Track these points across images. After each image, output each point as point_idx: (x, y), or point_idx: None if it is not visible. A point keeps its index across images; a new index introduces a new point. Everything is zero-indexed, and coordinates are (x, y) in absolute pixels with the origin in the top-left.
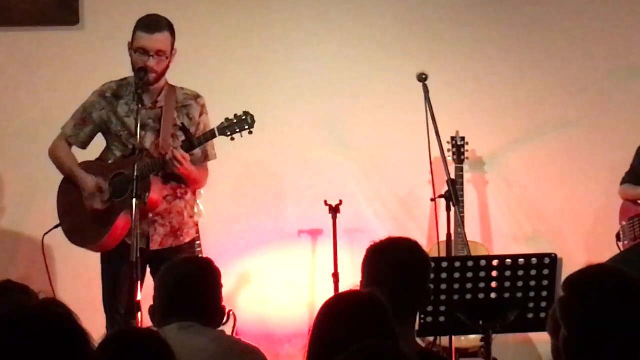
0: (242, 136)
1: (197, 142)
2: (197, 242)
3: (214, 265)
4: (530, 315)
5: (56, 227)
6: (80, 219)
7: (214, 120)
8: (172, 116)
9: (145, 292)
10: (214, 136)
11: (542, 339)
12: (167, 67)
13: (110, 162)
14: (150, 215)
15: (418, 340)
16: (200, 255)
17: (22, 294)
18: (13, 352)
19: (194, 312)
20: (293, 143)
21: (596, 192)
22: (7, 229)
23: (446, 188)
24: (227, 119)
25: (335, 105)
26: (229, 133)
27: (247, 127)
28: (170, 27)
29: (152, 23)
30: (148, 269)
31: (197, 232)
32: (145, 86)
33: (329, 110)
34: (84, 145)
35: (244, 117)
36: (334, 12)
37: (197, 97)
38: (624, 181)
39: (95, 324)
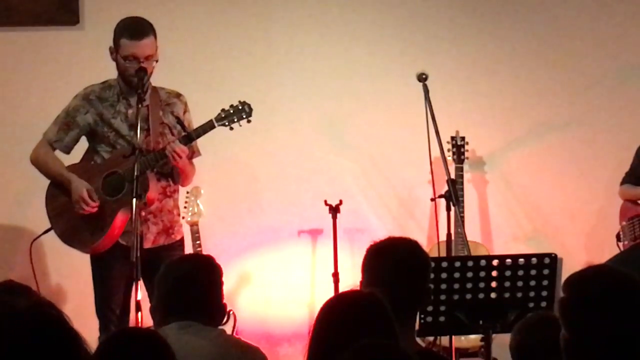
0: (240, 125)
1: (195, 134)
2: (198, 242)
3: (215, 262)
4: None
5: (46, 232)
6: (74, 221)
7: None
8: (159, 114)
9: (142, 292)
10: (213, 127)
11: None
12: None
13: (98, 163)
14: (143, 213)
15: (418, 340)
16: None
17: (23, 294)
18: (2, 355)
19: (195, 311)
20: (293, 143)
21: (596, 192)
22: (7, 229)
23: (446, 188)
24: (223, 110)
25: (335, 105)
26: (227, 123)
27: (245, 116)
28: (152, 29)
29: (137, 29)
30: None
31: (197, 231)
32: (143, 87)
33: (329, 110)
34: (68, 150)
35: (240, 107)
36: (334, 12)
37: (179, 95)
38: (624, 181)
39: (91, 325)
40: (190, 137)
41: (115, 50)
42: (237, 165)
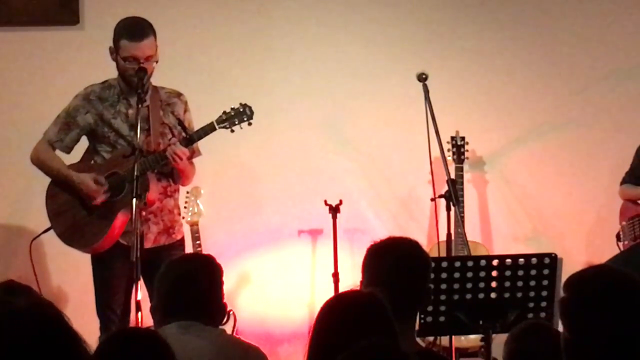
0: (241, 128)
1: (196, 136)
2: (198, 242)
3: (215, 261)
4: (530, 315)
5: (45, 231)
6: (74, 220)
7: (213, 120)
8: (159, 114)
9: (142, 292)
10: (214, 129)
11: None
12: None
13: (99, 163)
14: (144, 213)
15: (418, 340)
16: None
17: (24, 294)
18: (2, 355)
19: (195, 311)
20: (293, 143)
21: (596, 192)
22: (7, 228)
23: (446, 188)
24: (224, 112)
25: (335, 106)
26: (228, 125)
27: (246, 118)
28: (152, 30)
29: (137, 30)
30: None
31: (197, 231)
32: (143, 87)
33: (329, 110)
34: (68, 150)
35: (241, 110)
36: (334, 12)
37: (179, 94)
38: (624, 181)
39: (92, 325)
40: (191, 139)
41: (115, 51)
42: (237, 165)
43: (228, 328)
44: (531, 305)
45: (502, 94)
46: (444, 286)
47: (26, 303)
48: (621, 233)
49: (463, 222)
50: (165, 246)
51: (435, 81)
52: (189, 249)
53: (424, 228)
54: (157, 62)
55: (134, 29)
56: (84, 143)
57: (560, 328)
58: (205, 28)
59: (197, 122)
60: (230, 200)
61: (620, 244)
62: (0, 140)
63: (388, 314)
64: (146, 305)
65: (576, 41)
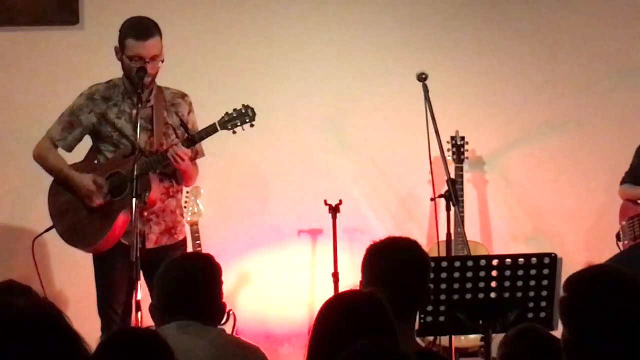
0: (243, 129)
1: (199, 137)
2: (198, 242)
3: (214, 261)
4: (530, 315)
5: (48, 230)
6: (75, 220)
7: (214, 120)
8: (163, 115)
9: (143, 292)
10: (216, 131)
11: None
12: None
13: (101, 163)
14: (146, 214)
15: (418, 340)
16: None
17: (24, 294)
18: (2, 355)
19: (194, 311)
20: (293, 143)
21: (596, 192)
22: (7, 228)
23: (446, 188)
24: (227, 114)
25: (335, 106)
26: (230, 127)
27: (248, 120)
28: (158, 29)
29: (143, 30)
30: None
31: (197, 231)
32: (145, 87)
33: (329, 110)
34: (70, 149)
35: (244, 111)
36: (334, 12)
37: (184, 95)
38: (624, 181)
39: (93, 325)
40: (193, 140)
41: (120, 51)
42: (237, 165)
43: (228, 328)
44: (531, 305)
45: (502, 94)
46: (444, 286)
47: (26, 303)
48: (621, 233)
49: (463, 222)
50: (168, 247)
51: (435, 81)
52: (189, 249)
53: (424, 228)
54: (163, 61)
55: (140, 29)
56: (87, 142)
57: (560, 328)
58: (206, 29)
59: (199, 121)
60: (230, 200)
61: (620, 244)
62: (1, 140)
63: (388, 314)
64: (147, 305)
65: (576, 41)
